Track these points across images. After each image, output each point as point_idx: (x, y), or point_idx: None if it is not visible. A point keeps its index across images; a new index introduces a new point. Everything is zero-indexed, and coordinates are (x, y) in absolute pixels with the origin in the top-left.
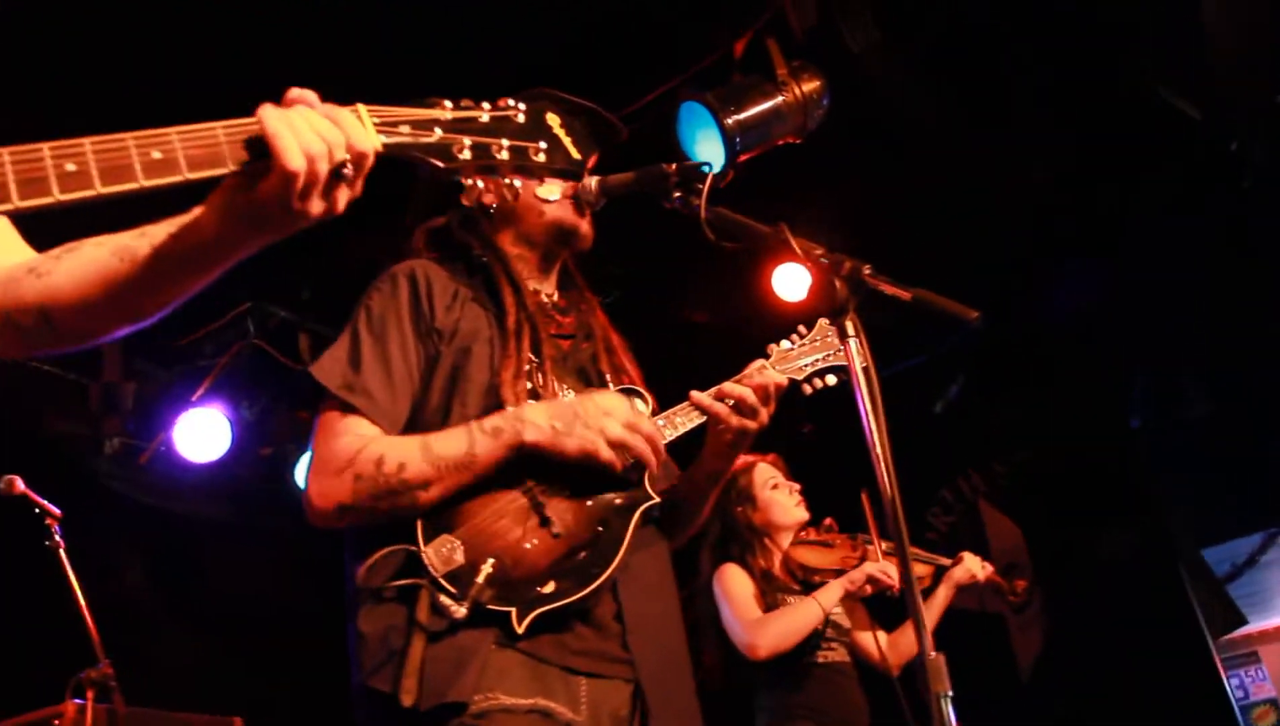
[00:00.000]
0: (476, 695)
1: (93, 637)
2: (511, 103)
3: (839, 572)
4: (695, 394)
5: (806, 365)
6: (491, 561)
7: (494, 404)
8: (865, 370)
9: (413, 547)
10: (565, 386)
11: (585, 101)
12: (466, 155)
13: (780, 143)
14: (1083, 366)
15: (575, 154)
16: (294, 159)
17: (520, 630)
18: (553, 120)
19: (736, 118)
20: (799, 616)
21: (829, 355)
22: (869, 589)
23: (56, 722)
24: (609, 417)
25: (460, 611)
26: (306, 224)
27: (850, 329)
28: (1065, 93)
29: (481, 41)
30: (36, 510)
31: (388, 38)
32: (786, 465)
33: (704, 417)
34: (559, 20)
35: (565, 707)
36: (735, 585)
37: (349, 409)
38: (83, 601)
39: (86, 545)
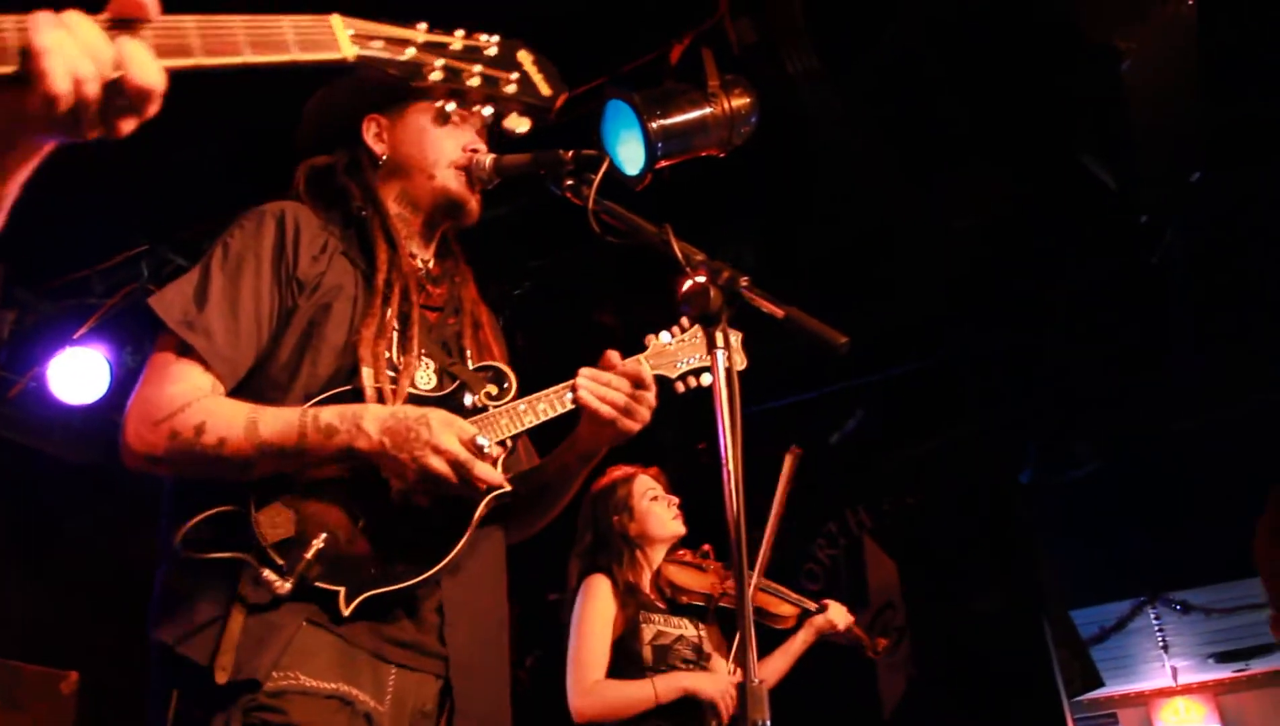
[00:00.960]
0: (276, 672)
1: None
2: (485, 36)
3: (707, 597)
4: (579, 382)
5: (682, 363)
6: (324, 536)
7: (348, 366)
8: (728, 382)
9: (242, 510)
10: (423, 358)
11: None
12: (437, 75)
13: (702, 154)
14: (984, 414)
15: (545, 90)
16: (57, 82)
17: (346, 612)
18: (524, 57)
19: (661, 122)
20: (632, 698)
21: (700, 356)
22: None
23: None
24: (435, 453)
25: (284, 587)
26: (82, 140)
27: (719, 340)
28: (995, 145)
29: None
30: None
31: None
32: (668, 480)
33: (560, 412)
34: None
35: (369, 696)
36: (595, 608)
37: (186, 350)
38: None
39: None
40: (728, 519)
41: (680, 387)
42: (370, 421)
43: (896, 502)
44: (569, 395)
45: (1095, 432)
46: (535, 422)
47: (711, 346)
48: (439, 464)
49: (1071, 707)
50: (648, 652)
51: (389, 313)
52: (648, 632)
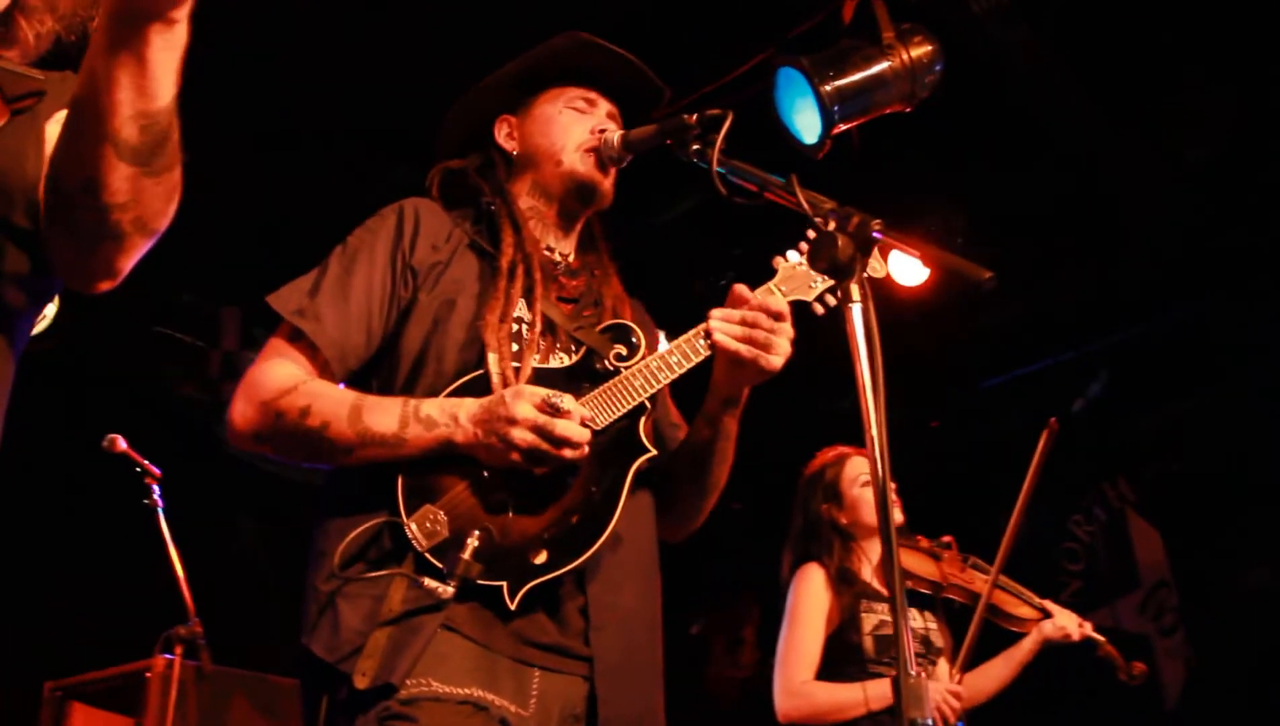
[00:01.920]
0: (409, 680)
1: (184, 596)
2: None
3: (934, 585)
4: (713, 324)
5: (817, 281)
6: (478, 533)
7: (473, 359)
8: (867, 338)
9: (395, 519)
10: (557, 343)
11: (628, 54)
12: None
13: (887, 111)
14: (1247, 367)
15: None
16: None
17: (513, 606)
18: None
19: (835, 84)
20: (842, 702)
21: (814, 283)
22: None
23: (147, 675)
24: (514, 426)
25: (448, 592)
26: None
27: (855, 293)
28: (1215, 61)
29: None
30: (137, 469)
31: None
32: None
33: (696, 361)
34: None
35: (510, 701)
36: (807, 600)
37: (297, 336)
38: (176, 560)
39: (202, 507)
40: (873, 493)
41: (819, 309)
42: (464, 413)
43: (1161, 471)
44: (702, 341)
45: None
46: (672, 377)
47: (847, 299)
48: (521, 434)
49: None
50: (869, 644)
51: (514, 293)
52: (868, 622)
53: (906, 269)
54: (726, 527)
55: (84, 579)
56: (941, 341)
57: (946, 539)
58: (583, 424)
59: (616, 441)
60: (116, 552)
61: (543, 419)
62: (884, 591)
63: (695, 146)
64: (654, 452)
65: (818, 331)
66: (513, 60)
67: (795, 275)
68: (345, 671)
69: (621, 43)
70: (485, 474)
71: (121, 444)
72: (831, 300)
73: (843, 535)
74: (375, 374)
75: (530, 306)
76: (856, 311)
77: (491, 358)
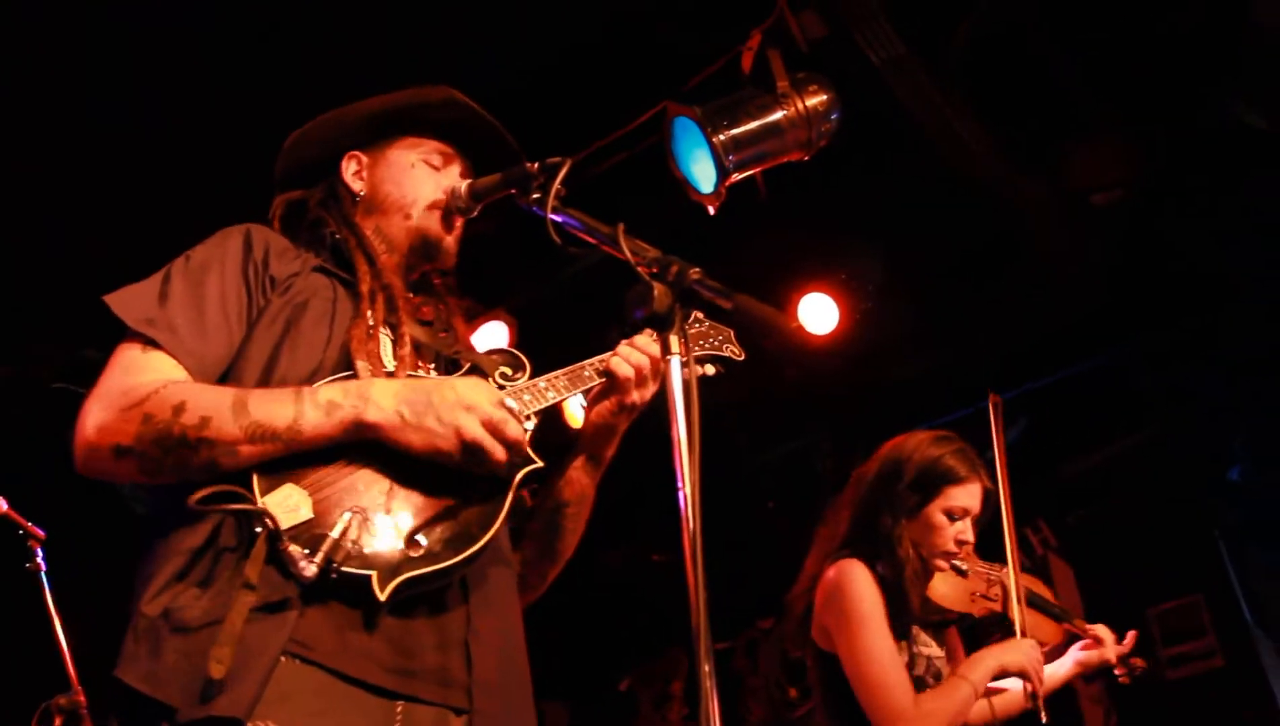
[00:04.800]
0: (250, 722)
1: (66, 664)
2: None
3: (964, 616)
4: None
5: (704, 344)
6: (346, 515)
7: (333, 360)
8: (685, 390)
9: (245, 505)
10: (427, 362)
11: (493, 119)
12: None
13: (784, 160)
14: (1171, 411)
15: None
16: None
17: (383, 597)
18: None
19: (729, 133)
20: (960, 705)
21: (703, 344)
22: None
23: None
24: (468, 412)
25: (310, 569)
26: None
27: (674, 345)
28: (1118, 105)
29: (479, 51)
30: (20, 531)
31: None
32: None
33: (595, 382)
34: (559, 30)
35: None
36: (869, 599)
37: (151, 345)
38: (59, 626)
39: (112, 570)
40: (684, 550)
41: (702, 369)
42: (380, 392)
43: (1082, 514)
44: (588, 371)
45: None
46: (559, 398)
47: (665, 351)
48: (471, 423)
49: None
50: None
51: (376, 315)
52: (906, 652)
53: (817, 318)
54: (652, 580)
55: None
56: (863, 390)
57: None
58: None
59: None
60: None
61: (499, 415)
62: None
63: (536, 195)
64: (540, 463)
65: (742, 383)
66: (374, 97)
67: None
68: (166, 702)
69: (521, 91)
70: (356, 461)
71: (2, 505)
72: (699, 370)
73: (909, 556)
74: (229, 379)
75: (395, 329)
76: (675, 363)
77: (361, 365)
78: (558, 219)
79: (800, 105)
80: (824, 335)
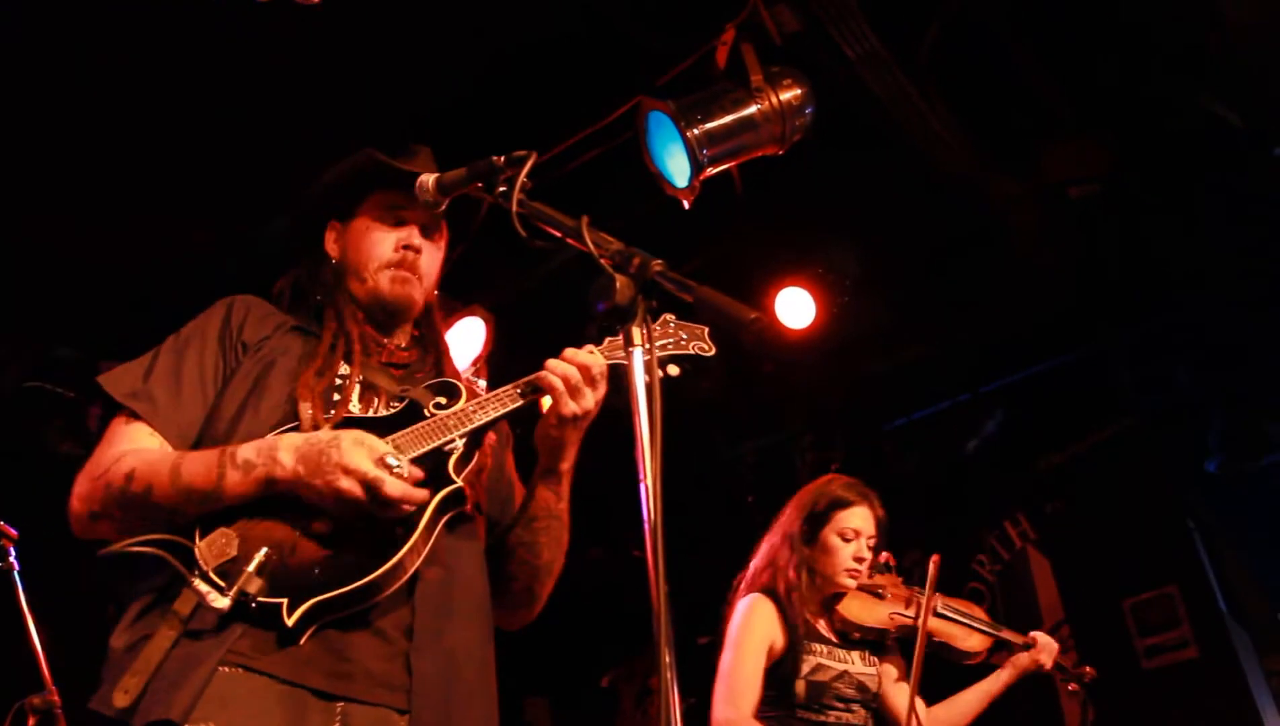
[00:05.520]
0: (187, 724)
1: (40, 663)
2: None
3: (881, 633)
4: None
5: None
6: (265, 550)
7: (291, 413)
8: (648, 386)
9: (185, 541)
10: (378, 401)
11: (410, 169)
12: None
13: (758, 154)
14: (1146, 402)
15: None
16: None
17: (290, 622)
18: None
19: (703, 127)
20: None
21: (668, 344)
22: None
23: None
24: (346, 474)
25: (222, 602)
26: None
27: (636, 337)
28: (1090, 102)
29: (454, 47)
30: None
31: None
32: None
33: (521, 402)
34: (532, 25)
35: None
36: (755, 632)
37: (133, 417)
38: (31, 625)
39: (76, 572)
40: (646, 546)
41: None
42: (285, 451)
43: (1059, 506)
44: (518, 390)
45: None
46: (486, 420)
47: (628, 343)
48: (349, 484)
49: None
50: (800, 688)
51: (334, 359)
52: (806, 665)
53: (794, 312)
54: (633, 577)
55: None
56: (841, 384)
57: (884, 557)
58: (415, 483)
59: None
60: None
61: (374, 474)
62: (830, 636)
63: (501, 189)
64: (458, 484)
65: (719, 379)
66: (325, 171)
67: (617, 343)
68: (114, 717)
69: (496, 86)
70: (286, 504)
71: None
72: (674, 370)
73: (811, 575)
74: (202, 437)
75: (350, 371)
76: (637, 355)
77: (304, 406)
78: (523, 213)
79: (774, 99)
80: (801, 329)
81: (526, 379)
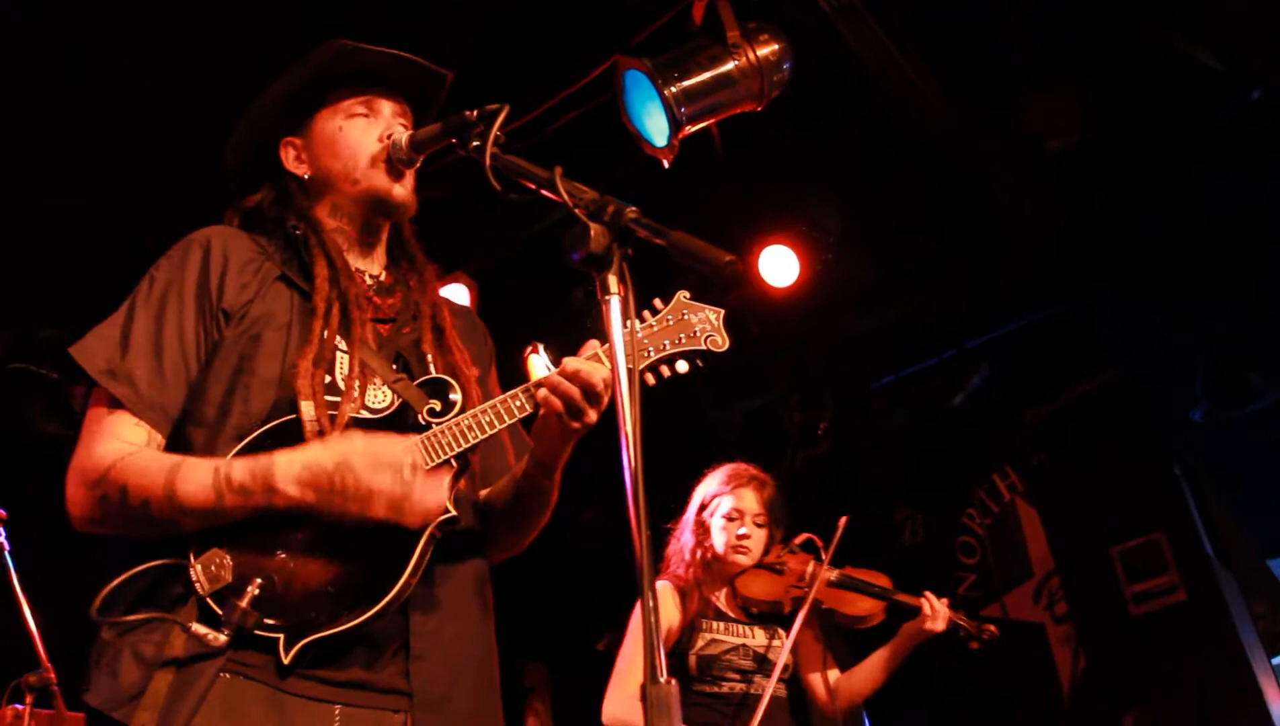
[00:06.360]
0: None
1: (34, 641)
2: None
3: (775, 604)
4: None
5: (651, 351)
6: (259, 581)
7: (285, 399)
8: (628, 334)
9: (180, 561)
10: (375, 380)
11: (404, 54)
12: None
13: (737, 111)
14: (1131, 354)
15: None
16: None
17: (287, 660)
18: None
19: (680, 85)
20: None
21: (681, 338)
22: None
23: None
24: (371, 499)
25: (219, 640)
26: None
27: (613, 285)
28: (1065, 53)
29: (423, 8)
30: None
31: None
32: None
33: (530, 409)
34: None
35: None
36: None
37: (115, 402)
38: (24, 603)
39: (65, 550)
40: (627, 492)
41: (650, 379)
42: (282, 479)
43: (1046, 458)
44: (517, 401)
45: (1269, 359)
46: (482, 437)
47: (605, 291)
48: (380, 510)
49: (1277, 671)
50: (693, 662)
51: (328, 336)
52: (699, 641)
53: (778, 270)
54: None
55: None
56: (827, 343)
57: (801, 539)
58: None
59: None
60: None
61: (400, 492)
62: (730, 613)
63: (475, 143)
64: (452, 513)
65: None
66: (277, 80)
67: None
68: (123, 721)
69: (468, 48)
70: (279, 518)
71: None
72: (666, 371)
73: (708, 557)
74: (186, 417)
75: (348, 348)
76: (614, 304)
77: (306, 406)
78: (497, 167)
79: (752, 55)
80: (785, 287)
81: (533, 384)
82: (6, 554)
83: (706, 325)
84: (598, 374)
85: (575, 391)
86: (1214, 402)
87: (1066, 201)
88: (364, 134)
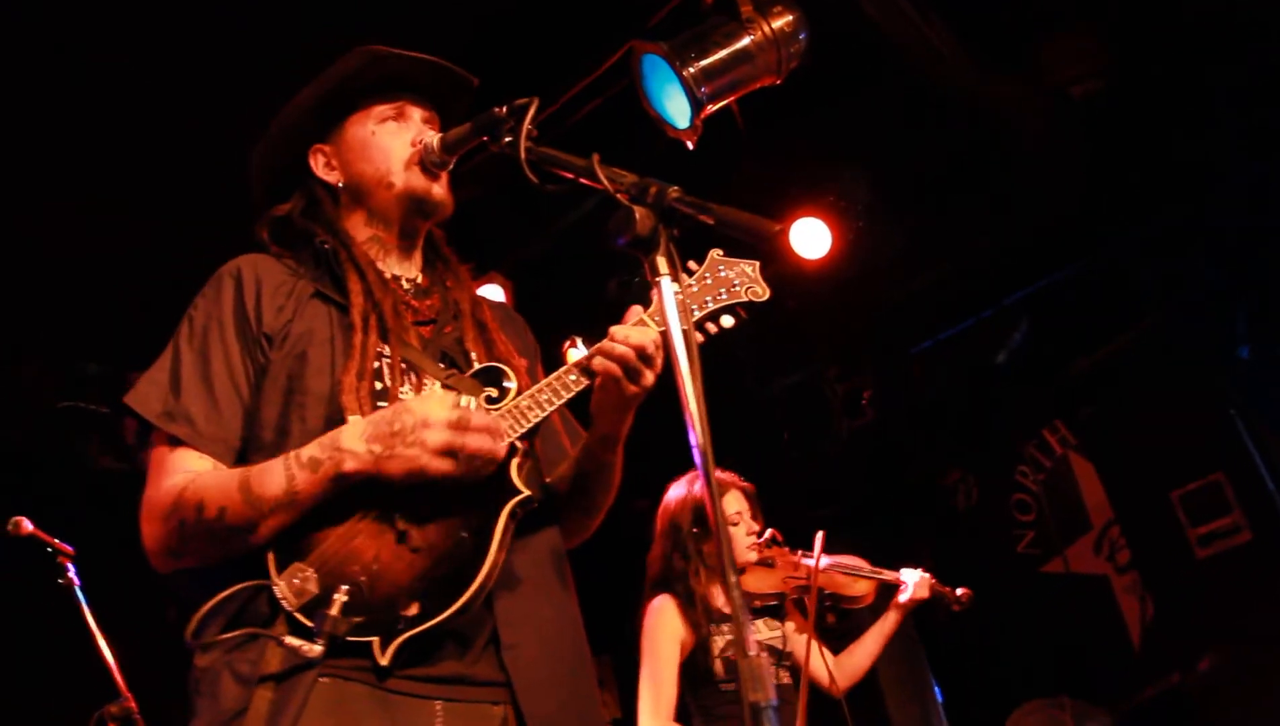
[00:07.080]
0: None
1: (112, 672)
2: None
3: (779, 596)
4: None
5: (695, 311)
6: (346, 588)
7: (337, 414)
8: (683, 310)
9: (264, 581)
10: (425, 379)
11: (421, 55)
12: None
13: (757, 86)
14: (1170, 299)
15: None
16: None
17: (384, 661)
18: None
19: (698, 65)
20: None
21: (722, 293)
22: None
23: None
24: (427, 428)
25: (315, 650)
26: None
27: (662, 266)
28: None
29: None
30: (48, 549)
31: None
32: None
33: (586, 381)
34: None
35: None
36: (661, 632)
37: (175, 442)
38: (100, 637)
39: (132, 580)
40: (699, 472)
41: (699, 337)
42: (351, 437)
43: (1096, 409)
44: (572, 377)
45: None
46: (543, 414)
47: (654, 273)
48: (438, 436)
49: None
50: (719, 666)
51: (370, 347)
52: (718, 644)
53: (810, 243)
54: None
55: (6, 668)
56: (864, 313)
57: (769, 535)
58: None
59: (486, 484)
60: (40, 637)
61: (456, 414)
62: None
63: (507, 138)
64: (526, 493)
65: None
66: (307, 87)
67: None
68: None
69: (482, 43)
70: (355, 525)
71: (27, 526)
72: (713, 327)
73: (705, 563)
74: (246, 445)
75: (390, 354)
76: (665, 284)
77: (354, 420)
78: (533, 160)
79: (767, 28)
80: (819, 259)
81: (579, 363)
82: (78, 589)
83: (744, 277)
84: (648, 337)
85: (630, 352)
86: (1257, 338)
87: (1092, 149)
88: (395, 138)
